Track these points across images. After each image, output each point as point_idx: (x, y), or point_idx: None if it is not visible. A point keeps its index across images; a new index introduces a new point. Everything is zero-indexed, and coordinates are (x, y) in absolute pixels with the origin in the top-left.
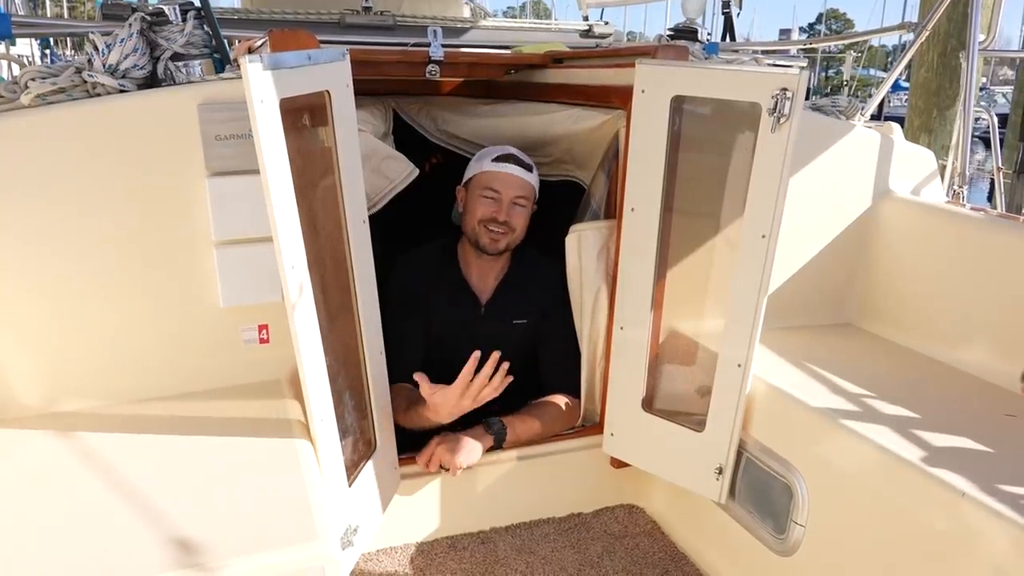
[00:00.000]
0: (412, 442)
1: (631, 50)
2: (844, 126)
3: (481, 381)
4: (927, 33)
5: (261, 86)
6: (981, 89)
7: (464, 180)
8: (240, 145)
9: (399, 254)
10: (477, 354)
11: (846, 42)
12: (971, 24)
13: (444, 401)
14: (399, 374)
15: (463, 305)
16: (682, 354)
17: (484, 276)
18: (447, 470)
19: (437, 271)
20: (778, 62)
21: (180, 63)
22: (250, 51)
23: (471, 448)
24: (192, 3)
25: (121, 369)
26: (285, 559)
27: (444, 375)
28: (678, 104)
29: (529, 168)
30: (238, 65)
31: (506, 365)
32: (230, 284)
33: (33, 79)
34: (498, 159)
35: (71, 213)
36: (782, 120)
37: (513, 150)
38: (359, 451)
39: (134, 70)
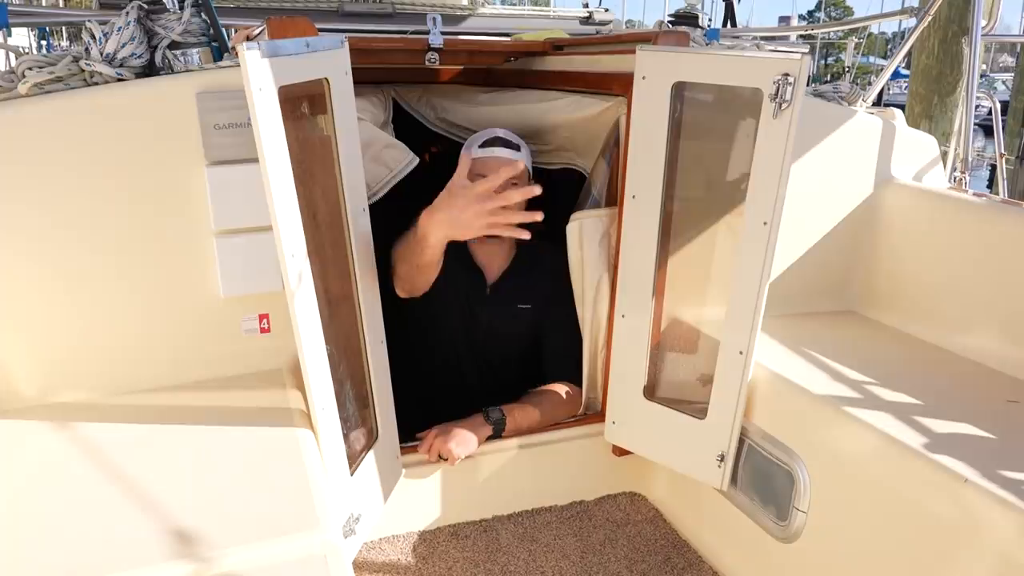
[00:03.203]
0: (414, 432)
1: (632, 36)
2: (846, 112)
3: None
4: (929, 19)
5: (259, 74)
6: (981, 76)
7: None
8: (239, 134)
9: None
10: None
11: (847, 28)
12: (974, 9)
13: (461, 188)
14: None
15: (470, 283)
16: (684, 342)
17: (490, 259)
18: (446, 459)
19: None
20: (779, 48)
21: (178, 52)
22: (248, 39)
23: (466, 438)
24: None
25: (120, 359)
26: (287, 548)
27: (443, 358)
28: (679, 90)
29: (517, 148)
30: (236, 53)
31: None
32: (230, 273)
33: (30, 68)
34: (484, 144)
35: (69, 203)
36: (784, 106)
37: (500, 132)
38: (361, 440)
39: (132, 59)
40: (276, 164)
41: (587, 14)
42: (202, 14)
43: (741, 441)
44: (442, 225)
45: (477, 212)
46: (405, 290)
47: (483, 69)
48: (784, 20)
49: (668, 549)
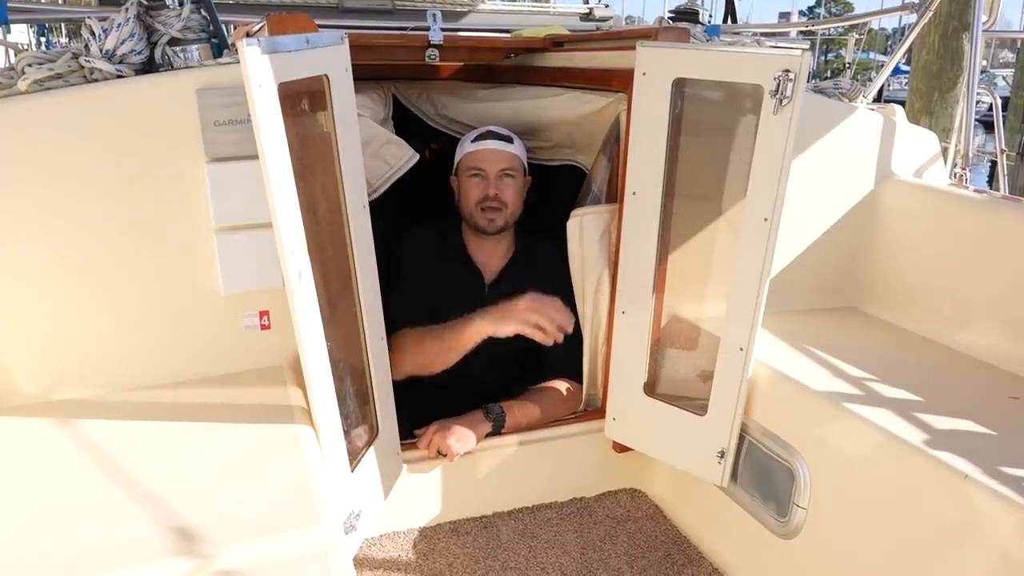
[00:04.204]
0: (414, 428)
1: (632, 32)
2: (846, 108)
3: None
4: (929, 15)
5: (259, 70)
6: (981, 72)
7: (453, 169)
8: (239, 130)
9: (400, 230)
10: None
11: (847, 24)
12: (975, 5)
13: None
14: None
15: (468, 283)
16: (684, 338)
17: (488, 258)
18: (445, 456)
19: (443, 248)
20: (779, 44)
21: (177, 48)
22: (248, 35)
23: (465, 435)
24: None
25: (121, 356)
26: (288, 544)
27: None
28: (679, 87)
29: (509, 140)
30: (236, 49)
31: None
32: (230, 270)
33: (30, 65)
34: (477, 138)
35: (69, 200)
36: (784, 102)
37: (492, 127)
38: (361, 437)
39: (131, 55)
40: (276, 161)
41: (587, 10)
42: (201, 10)
43: (741, 438)
44: (487, 326)
45: (522, 312)
46: (418, 368)
47: (483, 66)
48: (784, 16)
49: (668, 545)
